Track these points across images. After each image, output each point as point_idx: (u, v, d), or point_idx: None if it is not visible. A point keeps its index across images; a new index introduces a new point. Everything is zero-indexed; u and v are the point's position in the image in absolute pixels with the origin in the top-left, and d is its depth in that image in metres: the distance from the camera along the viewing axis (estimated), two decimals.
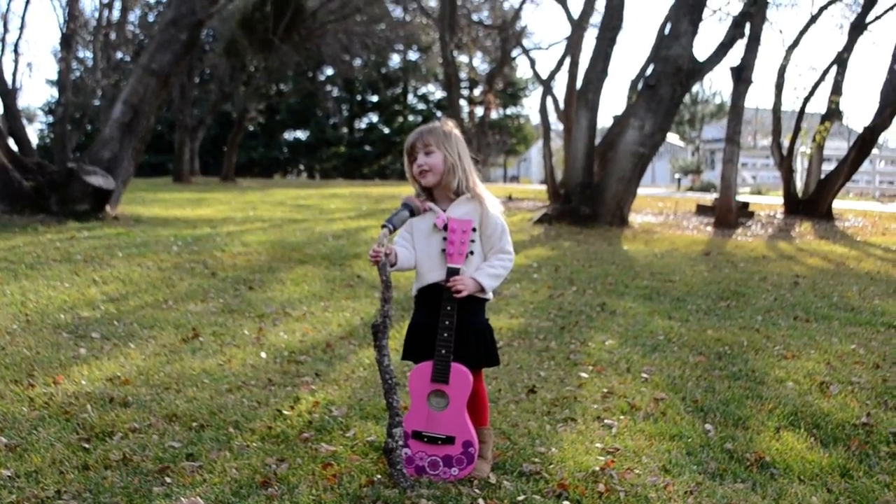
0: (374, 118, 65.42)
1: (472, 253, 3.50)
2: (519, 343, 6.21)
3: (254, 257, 10.54)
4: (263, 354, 5.67)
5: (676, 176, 51.80)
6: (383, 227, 3.32)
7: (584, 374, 5.29)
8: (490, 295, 3.60)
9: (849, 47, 21.09)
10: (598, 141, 18.64)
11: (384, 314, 3.33)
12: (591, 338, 6.41)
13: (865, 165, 26.75)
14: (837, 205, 22.06)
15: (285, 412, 4.35)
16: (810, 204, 20.71)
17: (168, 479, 3.44)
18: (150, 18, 41.72)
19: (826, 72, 21.73)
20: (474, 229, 3.49)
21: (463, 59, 45.89)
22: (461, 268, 3.46)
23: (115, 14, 32.67)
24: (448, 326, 3.43)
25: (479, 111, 45.53)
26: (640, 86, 20.11)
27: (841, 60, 21.26)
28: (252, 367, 5.32)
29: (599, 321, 7.09)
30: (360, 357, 5.65)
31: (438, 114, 62.00)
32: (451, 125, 3.64)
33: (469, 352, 3.51)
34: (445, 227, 3.48)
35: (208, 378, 5.01)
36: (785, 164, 22.14)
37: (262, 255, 10.72)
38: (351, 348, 5.93)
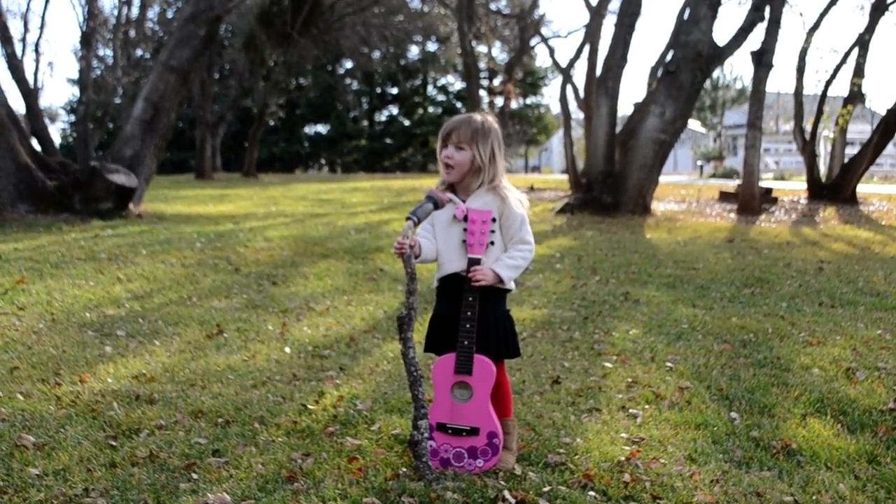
0: (394, 110, 65.46)
1: (492, 243, 3.50)
2: (542, 334, 6.20)
3: (276, 252, 10.58)
4: (287, 349, 5.69)
5: (698, 163, 51.57)
6: (408, 219, 3.32)
7: (608, 364, 5.27)
8: (511, 285, 3.59)
9: (870, 28, 20.88)
10: (618, 129, 18.56)
11: (409, 306, 3.33)
12: (615, 327, 6.40)
13: (889, 149, 26.48)
14: (861, 189, 21.88)
15: (310, 407, 4.36)
16: (834, 188, 20.55)
17: (194, 476, 3.46)
18: (169, 15, 41.89)
19: (847, 54, 21.53)
20: (494, 219, 3.48)
21: (482, 49, 45.82)
22: (482, 258, 3.46)
23: (135, 11, 32.86)
24: (470, 317, 3.43)
25: (499, 101, 45.54)
26: (660, 72, 19.98)
27: (863, 42, 21.05)
28: (276, 363, 5.34)
29: (623, 310, 7.07)
30: (384, 351, 5.66)
31: (459, 105, 62.02)
32: (491, 120, 3.60)
33: (490, 343, 3.50)
34: (465, 218, 3.48)
35: (233, 374, 5.03)
36: (808, 148, 21.98)
37: (285, 250, 10.76)
38: (375, 342, 5.94)
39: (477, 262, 3.45)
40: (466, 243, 3.47)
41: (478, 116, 3.59)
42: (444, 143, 3.56)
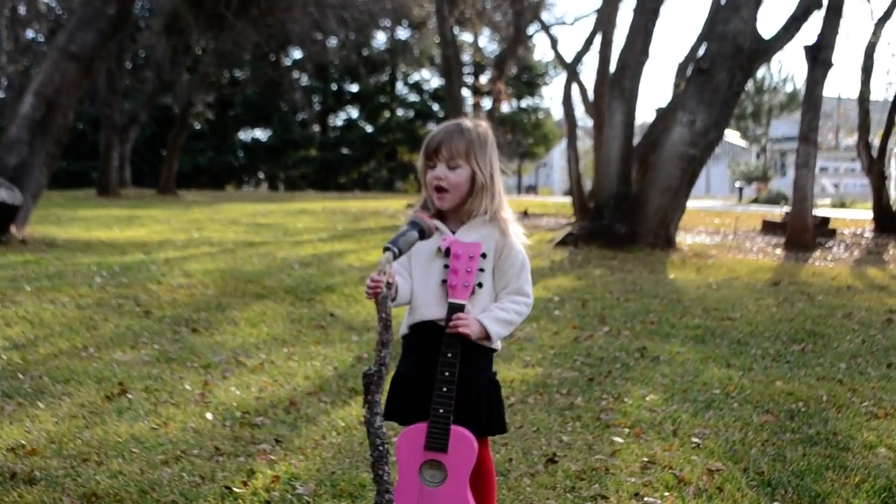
0: (354, 113, 65.72)
1: (480, 286, 3.44)
2: (536, 399, 6.19)
3: (199, 291, 10.53)
4: (209, 415, 5.65)
5: (737, 184, 52.01)
6: (386, 249, 3.22)
7: (618, 439, 5.26)
8: (498, 344, 3.55)
9: None
10: (636, 141, 18.71)
11: (380, 361, 3.25)
12: (628, 392, 6.39)
13: None
14: None
15: (236, 490, 4.32)
16: None
17: None
18: None
19: None
20: (484, 255, 3.44)
21: (466, 37, 46.14)
22: (465, 304, 3.43)
23: None
24: (448, 379, 3.37)
25: (487, 104, 45.64)
26: (689, 70, 20.17)
27: None
28: (194, 433, 5.30)
29: (638, 370, 7.07)
30: (333, 418, 5.63)
31: (435, 107, 62.31)
32: (486, 127, 3.60)
33: (471, 414, 3.45)
34: (448, 252, 3.44)
35: (138, 447, 4.98)
36: (875, 168, 22.19)
37: (210, 289, 10.71)
38: (321, 407, 5.91)
39: (460, 308, 3.42)
40: (447, 284, 3.44)
41: (469, 123, 3.57)
42: (430, 160, 3.51)
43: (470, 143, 3.49)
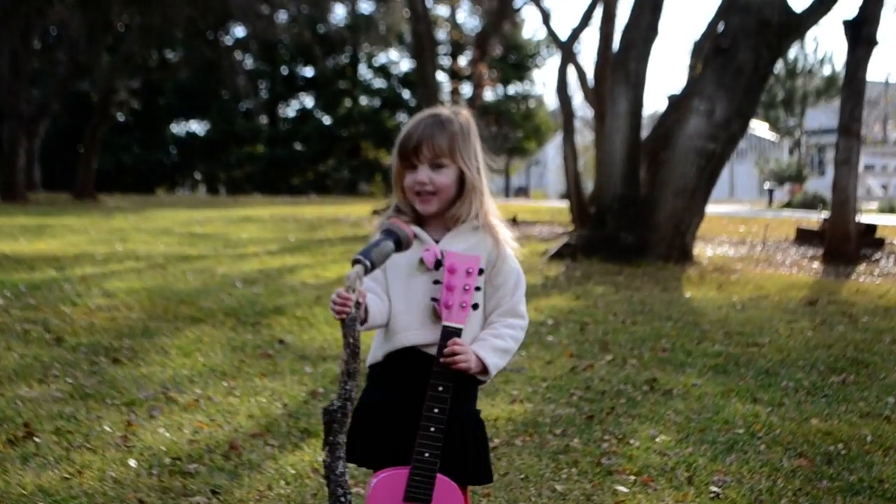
0: (309, 101, 65.83)
1: (475, 307, 3.42)
2: (524, 441, 6.19)
3: (121, 314, 10.50)
4: (133, 463, 5.62)
5: (766, 185, 52.19)
6: (356, 262, 3.17)
7: (622, 489, 5.27)
8: (483, 378, 3.53)
9: None
10: (645, 134, 18.75)
11: (345, 395, 3.19)
12: (635, 432, 6.40)
13: None
14: None
15: None
16: None
17: None
18: None
19: None
20: (482, 271, 3.43)
21: (441, 11, 46.25)
22: (462, 328, 3.39)
23: None
24: (437, 417, 3.33)
25: (467, 90, 45.76)
26: (707, 50, 20.25)
27: None
28: (115, 483, 5.27)
29: (647, 406, 7.08)
30: (282, 465, 5.62)
31: (406, 94, 62.35)
32: (467, 116, 3.61)
33: (454, 459, 3.42)
34: (438, 266, 3.41)
35: (47, 500, 4.96)
36: None
37: (135, 311, 10.68)
38: (268, 451, 5.89)
39: (456, 333, 3.37)
40: (440, 304, 3.39)
41: (448, 113, 3.57)
42: (408, 161, 3.51)
43: (453, 138, 3.50)
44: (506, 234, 3.55)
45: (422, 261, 3.44)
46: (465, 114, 3.60)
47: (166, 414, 6.73)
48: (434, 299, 3.41)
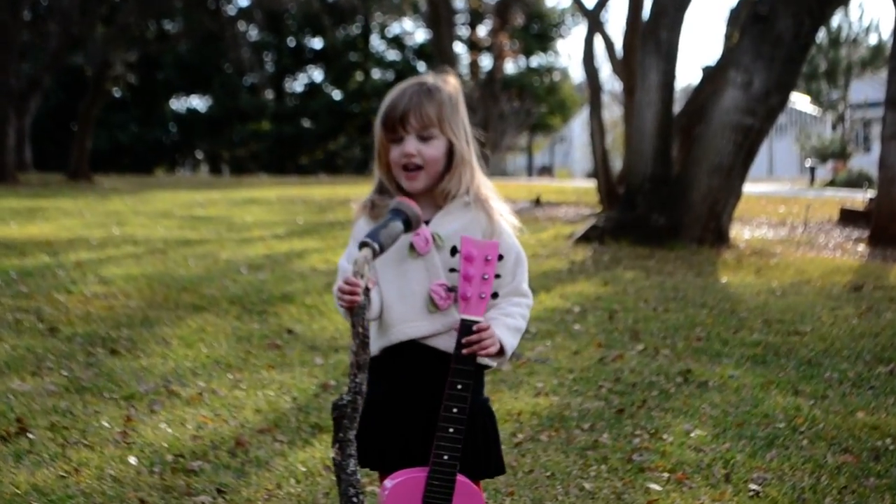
0: (318, 75, 65.76)
1: (495, 296, 3.40)
2: (550, 436, 6.18)
3: (119, 302, 10.52)
4: (133, 460, 5.63)
5: (808, 163, 52.01)
6: (363, 245, 3.15)
7: (655, 486, 5.26)
8: (495, 363, 3.54)
9: None
10: (677, 108, 18.68)
11: (355, 389, 3.16)
12: (668, 426, 6.39)
13: None
14: None
15: None
16: None
17: None
18: None
19: None
20: (501, 257, 3.38)
21: None
22: (482, 321, 3.35)
23: None
24: (456, 417, 3.31)
25: (487, 62, 45.71)
26: (744, 17, 20.17)
27: None
28: (114, 481, 5.28)
29: (681, 399, 7.07)
30: (291, 462, 5.62)
31: (422, 67, 62.26)
32: (455, 84, 3.61)
33: (467, 453, 3.41)
34: (454, 251, 3.37)
35: (42, 500, 4.97)
36: None
37: (133, 299, 10.70)
38: (276, 448, 5.90)
39: (471, 326, 3.34)
40: (458, 294, 3.35)
41: (434, 81, 3.58)
42: (393, 133, 3.50)
43: (441, 107, 3.50)
44: (502, 208, 3.55)
45: (412, 246, 3.42)
46: (453, 81, 3.60)
47: (168, 408, 6.74)
48: (451, 289, 3.39)
